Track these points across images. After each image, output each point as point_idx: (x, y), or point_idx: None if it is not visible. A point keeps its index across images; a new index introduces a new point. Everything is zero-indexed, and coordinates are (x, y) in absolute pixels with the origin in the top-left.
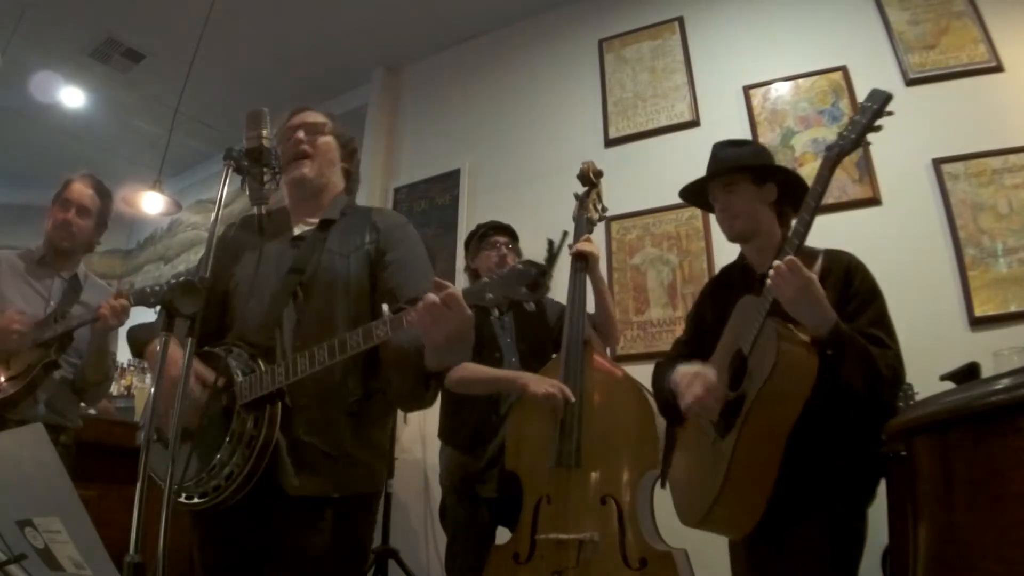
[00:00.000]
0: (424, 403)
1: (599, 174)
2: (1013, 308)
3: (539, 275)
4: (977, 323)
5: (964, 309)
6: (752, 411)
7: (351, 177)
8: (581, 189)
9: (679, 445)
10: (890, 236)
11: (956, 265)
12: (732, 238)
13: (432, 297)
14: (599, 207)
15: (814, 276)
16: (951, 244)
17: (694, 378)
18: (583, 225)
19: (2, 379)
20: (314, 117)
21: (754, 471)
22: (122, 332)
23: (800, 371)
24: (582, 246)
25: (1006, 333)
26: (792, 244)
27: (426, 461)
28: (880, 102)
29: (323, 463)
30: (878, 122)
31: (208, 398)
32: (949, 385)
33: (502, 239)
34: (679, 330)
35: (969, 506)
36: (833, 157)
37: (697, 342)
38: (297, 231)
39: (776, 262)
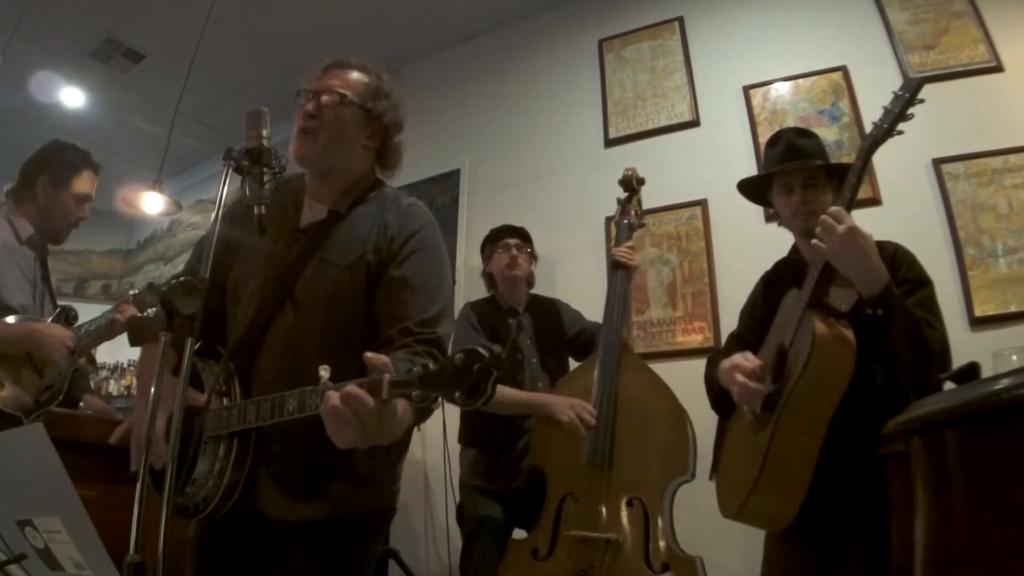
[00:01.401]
0: (389, 463)
1: (641, 181)
2: (1013, 308)
3: (482, 379)
4: (977, 323)
5: (964, 309)
6: (788, 404)
7: (383, 157)
8: (622, 194)
9: (727, 438)
10: (890, 236)
11: (956, 265)
12: (804, 233)
13: (333, 397)
14: (639, 212)
15: (859, 229)
16: (951, 244)
17: (732, 369)
18: (624, 230)
19: (42, 388)
20: (340, 81)
21: (790, 464)
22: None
23: (836, 363)
24: (625, 257)
25: (1006, 333)
26: (844, 198)
27: (426, 461)
28: (912, 90)
29: (304, 486)
30: (910, 111)
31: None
32: (949, 385)
33: (513, 241)
34: (679, 330)
35: (969, 506)
36: (867, 147)
37: (752, 337)
38: (304, 220)
39: (823, 215)
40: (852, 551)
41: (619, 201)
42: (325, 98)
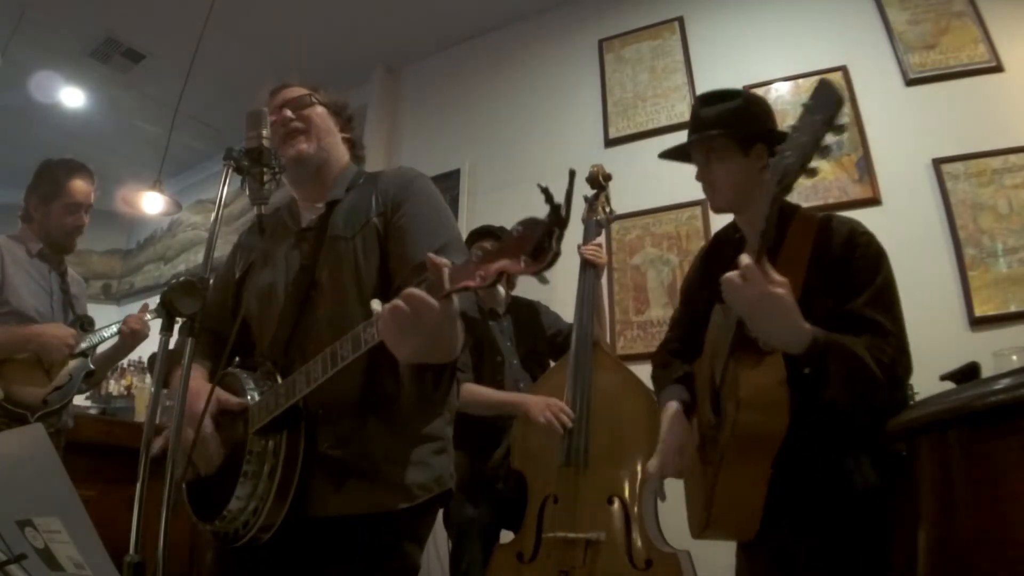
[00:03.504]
0: (435, 407)
1: (608, 177)
2: (1013, 308)
3: (544, 236)
4: (977, 323)
5: (964, 309)
6: (727, 450)
7: (355, 146)
8: (589, 192)
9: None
10: (890, 236)
11: (956, 265)
12: (716, 211)
13: (391, 304)
14: (607, 210)
15: (776, 288)
16: (951, 244)
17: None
18: (592, 227)
19: (49, 389)
20: (297, 92)
21: (737, 503)
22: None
23: (767, 421)
24: (592, 255)
25: (1006, 333)
26: (752, 251)
27: None
28: (828, 110)
29: (354, 479)
30: (826, 140)
31: (226, 428)
32: (949, 385)
33: (486, 244)
34: None
35: (969, 506)
36: (777, 192)
37: (689, 319)
38: (304, 221)
39: (727, 275)
40: (809, 557)
41: (586, 199)
42: (294, 107)
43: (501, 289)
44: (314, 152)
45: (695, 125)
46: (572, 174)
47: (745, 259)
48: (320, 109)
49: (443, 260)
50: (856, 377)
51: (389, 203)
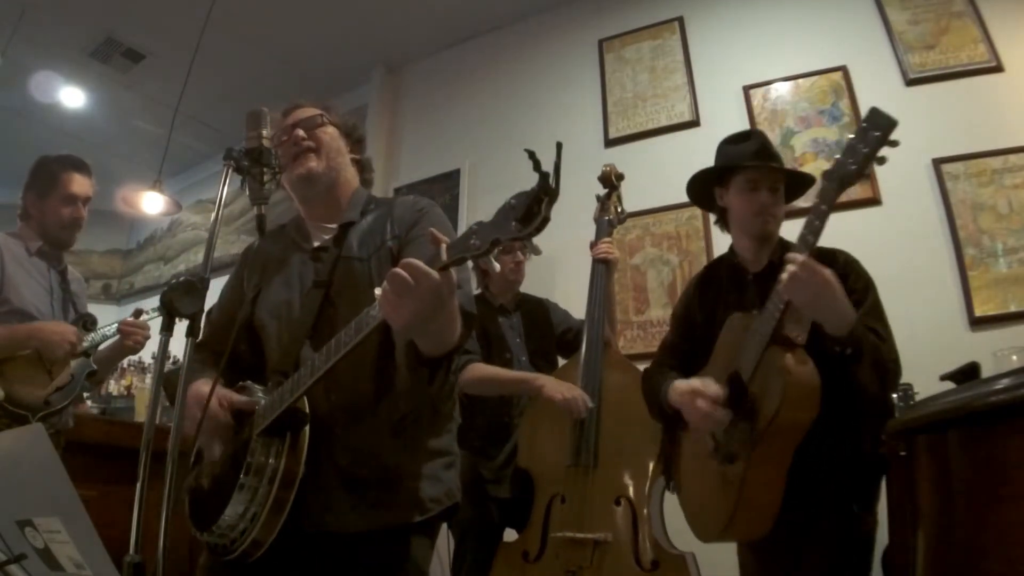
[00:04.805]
0: (431, 397)
1: (620, 177)
2: (1013, 308)
3: (533, 202)
4: (977, 323)
5: (964, 309)
6: (762, 443)
7: (364, 168)
8: (601, 191)
9: (686, 452)
10: (890, 236)
11: (956, 265)
12: (759, 237)
13: (390, 272)
14: (619, 209)
15: (831, 276)
16: (951, 244)
17: (691, 394)
18: (603, 227)
19: (51, 389)
20: (310, 111)
21: (764, 491)
22: None
23: (807, 406)
24: (605, 253)
25: (1006, 333)
26: (806, 242)
27: None
28: (884, 128)
29: (371, 492)
30: (882, 152)
31: (233, 434)
32: (949, 385)
33: (518, 244)
34: None
35: (969, 506)
36: (835, 188)
37: (688, 345)
38: (316, 240)
39: (790, 267)
40: (810, 551)
41: (598, 198)
42: (306, 127)
43: (521, 273)
44: (324, 171)
45: (769, 155)
46: (559, 146)
47: (799, 257)
48: (331, 129)
49: (443, 238)
50: (879, 364)
51: (404, 228)
